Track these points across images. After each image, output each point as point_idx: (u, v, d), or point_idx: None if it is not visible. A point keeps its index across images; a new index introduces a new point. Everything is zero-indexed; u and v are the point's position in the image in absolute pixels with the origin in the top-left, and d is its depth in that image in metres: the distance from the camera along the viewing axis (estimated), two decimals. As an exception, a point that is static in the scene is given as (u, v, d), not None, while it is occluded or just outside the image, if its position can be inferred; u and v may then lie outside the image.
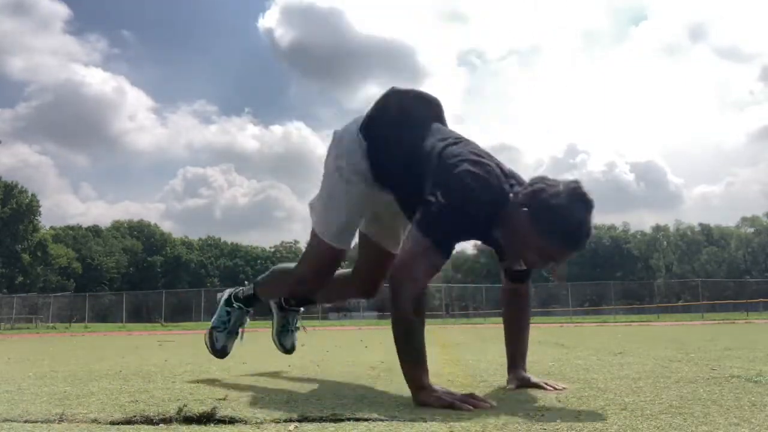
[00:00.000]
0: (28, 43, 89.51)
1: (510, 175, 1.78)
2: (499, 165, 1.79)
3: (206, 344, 2.42)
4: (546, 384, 1.87)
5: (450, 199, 1.65)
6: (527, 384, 1.89)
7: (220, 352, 2.39)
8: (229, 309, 2.40)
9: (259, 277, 2.41)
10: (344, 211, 1.98)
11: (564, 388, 1.85)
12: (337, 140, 2.03)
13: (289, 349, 2.56)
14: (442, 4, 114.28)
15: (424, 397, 1.56)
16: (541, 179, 1.70)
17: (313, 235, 2.05)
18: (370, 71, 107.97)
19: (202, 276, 64.83)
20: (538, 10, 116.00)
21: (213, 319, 2.43)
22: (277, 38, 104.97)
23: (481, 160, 1.74)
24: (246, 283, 2.46)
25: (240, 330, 2.44)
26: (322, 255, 2.04)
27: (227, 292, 2.47)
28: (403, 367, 1.66)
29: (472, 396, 1.55)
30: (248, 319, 2.46)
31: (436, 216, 1.67)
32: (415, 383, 1.61)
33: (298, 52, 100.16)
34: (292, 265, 2.25)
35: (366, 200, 1.98)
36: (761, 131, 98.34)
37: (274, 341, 2.54)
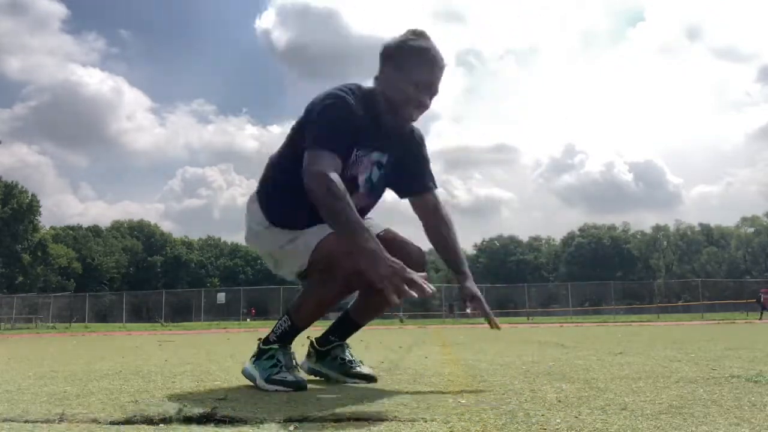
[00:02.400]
0: (26, 43, 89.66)
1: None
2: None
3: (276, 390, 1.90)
4: (493, 319, 2.02)
5: (315, 113, 1.89)
6: (480, 305, 2.03)
7: (298, 383, 1.90)
8: (266, 354, 1.97)
9: (288, 307, 2.07)
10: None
11: (500, 328, 2.03)
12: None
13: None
14: (438, 3, 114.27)
15: (385, 269, 1.63)
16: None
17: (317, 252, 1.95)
18: (368, 71, 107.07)
19: (202, 276, 64.84)
20: (535, 11, 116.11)
21: (258, 378, 1.96)
22: (274, 39, 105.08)
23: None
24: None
25: (293, 361, 2.00)
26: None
27: (253, 358, 2.01)
28: (349, 245, 1.72)
29: (415, 280, 1.62)
30: (293, 352, 2.03)
31: (312, 129, 1.87)
32: (366, 252, 1.67)
33: (296, 53, 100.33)
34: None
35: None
36: (759, 131, 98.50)
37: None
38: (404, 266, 1.66)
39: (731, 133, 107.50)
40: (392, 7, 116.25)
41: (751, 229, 69.30)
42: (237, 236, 79.61)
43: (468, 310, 2.05)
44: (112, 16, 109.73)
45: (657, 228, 72.12)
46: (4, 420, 1.38)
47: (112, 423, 1.34)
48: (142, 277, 60.02)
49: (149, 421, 1.35)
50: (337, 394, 1.82)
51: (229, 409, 1.45)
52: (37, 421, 1.36)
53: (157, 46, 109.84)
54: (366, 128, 1.93)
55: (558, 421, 1.29)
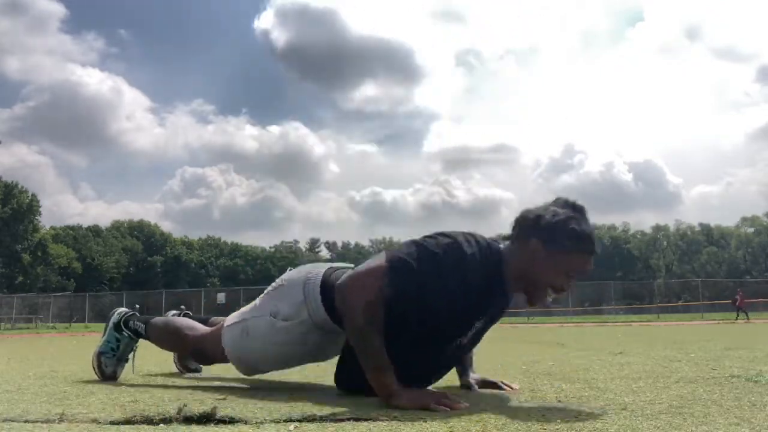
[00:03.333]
0: (25, 43, 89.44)
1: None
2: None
3: (93, 367, 2.27)
4: (502, 383, 1.92)
5: (430, 247, 1.66)
6: (485, 382, 1.96)
7: (110, 376, 2.25)
8: (118, 336, 2.29)
9: (153, 320, 2.31)
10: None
11: (517, 389, 1.89)
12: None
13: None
14: (438, 3, 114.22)
15: (397, 401, 1.50)
16: (525, 211, 1.75)
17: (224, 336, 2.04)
18: (367, 71, 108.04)
19: (202, 276, 64.82)
20: (535, 11, 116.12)
21: (100, 344, 2.30)
22: (273, 39, 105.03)
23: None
24: (137, 306, 2.49)
25: (130, 356, 2.32)
26: (217, 349, 2.06)
27: (116, 314, 2.33)
28: (368, 377, 1.59)
29: (445, 396, 1.51)
30: (137, 346, 2.34)
31: (408, 249, 1.67)
32: (383, 390, 1.55)
33: (295, 53, 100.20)
34: (191, 326, 2.22)
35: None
36: (759, 132, 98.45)
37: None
38: (420, 391, 1.59)
39: (731, 133, 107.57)
40: (391, 7, 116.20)
41: (751, 229, 69.28)
42: (237, 236, 79.77)
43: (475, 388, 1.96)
44: (111, 16, 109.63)
45: (657, 228, 72.11)
46: (4, 420, 1.38)
47: (112, 423, 1.34)
48: (142, 277, 59.99)
49: (149, 421, 1.35)
50: (337, 394, 1.82)
51: (229, 409, 1.45)
52: (37, 421, 1.36)
53: (157, 46, 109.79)
54: (490, 298, 1.76)
55: (558, 421, 1.29)
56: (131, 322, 2.29)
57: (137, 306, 2.40)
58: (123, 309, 2.39)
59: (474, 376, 2.01)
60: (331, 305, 1.78)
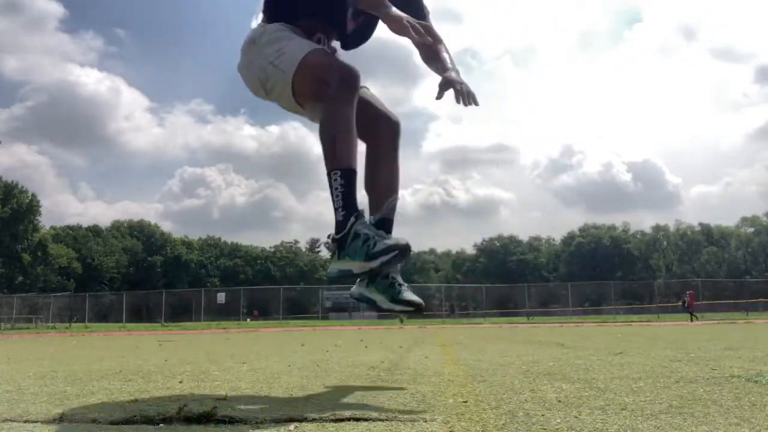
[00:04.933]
0: (22, 42, 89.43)
1: None
2: None
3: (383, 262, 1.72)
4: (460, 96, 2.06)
5: None
6: (449, 84, 2.09)
7: (397, 244, 1.72)
8: (357, 238, 1.73)
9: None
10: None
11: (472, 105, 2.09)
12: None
13: (412, 301, 1.83)
14: (435, 3, 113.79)
15: (398, 15, 1.80)
16: None
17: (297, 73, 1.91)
18: (365, 71, 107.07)
19: (202, 276, 64.84)
20: (532, 11, 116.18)
21: (357, 257, 1.73)
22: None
23: None
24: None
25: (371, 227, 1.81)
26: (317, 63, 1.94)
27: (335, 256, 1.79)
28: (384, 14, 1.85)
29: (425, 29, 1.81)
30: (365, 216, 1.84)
31: None
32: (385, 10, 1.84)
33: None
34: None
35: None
36: (758, 132, 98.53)
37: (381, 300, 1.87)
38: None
39: (730, 133, 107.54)
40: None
41: (751, 229, 69.29)
42: (236, 236, 79.77)
43: (435, 96, 2.09)
44: (110, 15, 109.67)
45: (657, 228, 72.13)
46: (4, 420, 1.38)
47: (112, 423, 1.34)
48: (142, 277, 60.01)
49: (149, 421, 1.35)
50: (337, 394, 1.82)
51: (229, 409, 1.45)
52: (37, 421, 1.36)
53: (155, 45, 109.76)
54: None
55: (558, 421, 1.29)
56: (338, 217, 1.77)
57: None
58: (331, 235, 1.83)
59: (448, 76, 2.13)
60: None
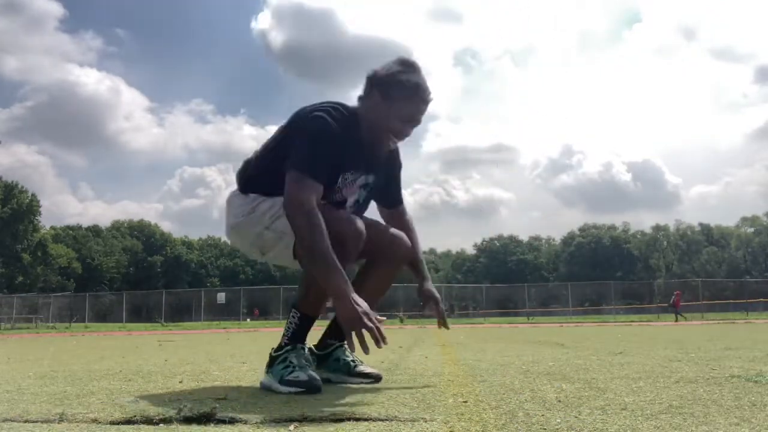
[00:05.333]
0: (22, 42, 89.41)
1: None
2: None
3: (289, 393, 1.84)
4: (442, 320, 2.22)
5: (302, 132, 1.90)
6: (434, 306, 2.22)
7: (311, 382, 1.84)
8: (283, 363, 1.92)
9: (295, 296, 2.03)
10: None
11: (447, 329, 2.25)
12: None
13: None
14: (434, 3, 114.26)
15: (348, 312, 1.69)
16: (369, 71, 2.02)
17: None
18: (365, 71, 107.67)
19: (202, 276, 64.86)
20: (532, 11, 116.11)
21: (274, 383, 1.90)
22: (270, 40, 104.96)
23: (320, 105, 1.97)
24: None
25: (306, 360, 1.97)
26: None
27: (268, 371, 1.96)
28: (320, 280, 1.77)
29: (376, 330, 1.69)
30: (307, 349, 2.02)
31: (298, 150, 1.87)
32: (334, 290, 1.72)
33: (292, 53, 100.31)
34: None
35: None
36: (758, 132, 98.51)
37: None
38: (368, 312, 1.71)
39: (729, 133, 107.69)
40: (388, 7, 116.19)
41: (751, 229, 69.30)
42: (236, 236, 79.55)
43: (425, 310, 2.23)
44: (109, 15, 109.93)
45: (657, 228, 72.14)
46: (4, 420, 1.38)
47: (112, 423, 1.34)
48: (142, 277, 60.01)
49: (149, 421, 1.35)
50: (337, 394, 1.82)
51: (229, 409, 1.45)
52: (37, 421, 1.36)
53: (155, 45, 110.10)
54: (352, 151, 1.97)
55: (558, 421, 1.29)
56: (281, 342, 1.97)
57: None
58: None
59: (430, 289, 2.26)
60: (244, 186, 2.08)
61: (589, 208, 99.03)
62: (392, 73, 1.96)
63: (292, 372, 1.87)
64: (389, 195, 2.29)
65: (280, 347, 1.97)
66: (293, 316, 1.98)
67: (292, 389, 1.83)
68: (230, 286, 48.73)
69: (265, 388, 1.94)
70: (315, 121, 1.90)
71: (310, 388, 1.81)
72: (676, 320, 20.33)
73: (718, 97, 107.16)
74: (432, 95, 2.01)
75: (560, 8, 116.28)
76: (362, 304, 1.71)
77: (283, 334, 1.99)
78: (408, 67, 1.98)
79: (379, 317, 1.73)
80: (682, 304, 24.49)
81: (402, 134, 2.02)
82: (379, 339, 1.69)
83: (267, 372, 1.96)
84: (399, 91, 1.94)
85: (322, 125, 1.89)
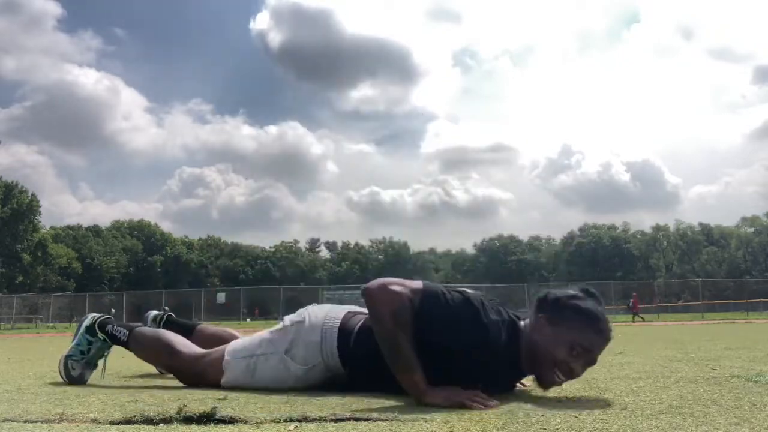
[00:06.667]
0: (20, 42, 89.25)
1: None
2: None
3: (60, 371, 2.18)
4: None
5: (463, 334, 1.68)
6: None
7: (77, 380, 2.16)
8: (90, 339, 2.19)
9: (139, 328, 2.22)
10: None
11: (528, 386, 1.88)
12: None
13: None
14: (433, 2, 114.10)
15: (431, 399, 1.55)
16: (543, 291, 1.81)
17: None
18: (364, 71, 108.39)
19: (202, 276, 64.82)
20: (530, 10, 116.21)
21: (71, 347, 2.21)
22: (269, 41, 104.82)
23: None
24: (113, 311, 2.38)
25: (100, 362, 2.24)
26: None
27: (90, 317, 2.24)
28: (399, 379, 1.65)
29: (477, 394, 1.53)
30: (109, 352, 2.25)
31: (444, 288, 1.74)
32: (414, 389, 1.61)
33: (291, 54, 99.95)
34: (186, 344, 2.13)
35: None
36: (756, 132, 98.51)
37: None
38: (452, 389, 1.57)
39: (728, 133, 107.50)
40: (387, 7, 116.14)
41: (751, 229, 69.24)
42: (235, 236, 79.76)
43: None
44: (108, 15, 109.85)
45: (657, 228, 72.07)
46: (4, 420, 1.38)
47: (112, 423, 1.34)
48: (142, 277, 59.98)
49: (149, 421, 1.35)
50: (337, 394, 1.82)
51: (229, 409, 1.45)
52: (37, 421, 1.36)
53: (153, 45, 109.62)
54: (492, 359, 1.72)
55: (558, 421, 1.29)
56: (108, 326, 2.20)
57: (113, 311, 2.30)
58: (96, 314, 2.29)
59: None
60: (344, 350, 1.85)
61: (589, 208, 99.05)
62: (567, 296, 1.74)
63: (78, 360, 2.18)
64: None
65: (103, 329, 2.19)
66: (124, 334, 2.18)
67: (61, 372, 2.17)
68: (230, 286, 48.70)
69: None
70: (484, 334, 1.69)
71: (71, 382, 2.14)
72: (633, 321, 20.63)
73: (717, 98, 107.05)
74: (612, 335, 1.73)
75: (559, 8, 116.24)
76: (444, 389, 1.57)
77: (108, 324, 2.21)
78: (588, 294, 1.75)
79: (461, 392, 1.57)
80: (639, 305, 24.91)
81: (571, 370, 1.70)
82: (480, 405, 1.49)
83: (81, 332, 2.21)
84: (575, 316, 1.69)
85: (491, 344, 1.69)
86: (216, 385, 1.95)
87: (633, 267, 67.09)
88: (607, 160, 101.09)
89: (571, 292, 1.76)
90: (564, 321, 1.69)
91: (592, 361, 1.72)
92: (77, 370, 2.17)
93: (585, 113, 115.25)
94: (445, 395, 1.54)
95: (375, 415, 1.38)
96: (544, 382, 1.73)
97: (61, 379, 2.17)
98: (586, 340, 1.68)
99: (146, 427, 1.31)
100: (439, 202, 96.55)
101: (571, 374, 1.71)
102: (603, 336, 1.71)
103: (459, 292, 1.76)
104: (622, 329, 9.78)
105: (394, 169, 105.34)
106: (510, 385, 1.87)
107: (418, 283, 1.73)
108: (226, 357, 1.99)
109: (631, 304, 24.15)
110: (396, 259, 70.91)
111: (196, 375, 2.04)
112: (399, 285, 1.70)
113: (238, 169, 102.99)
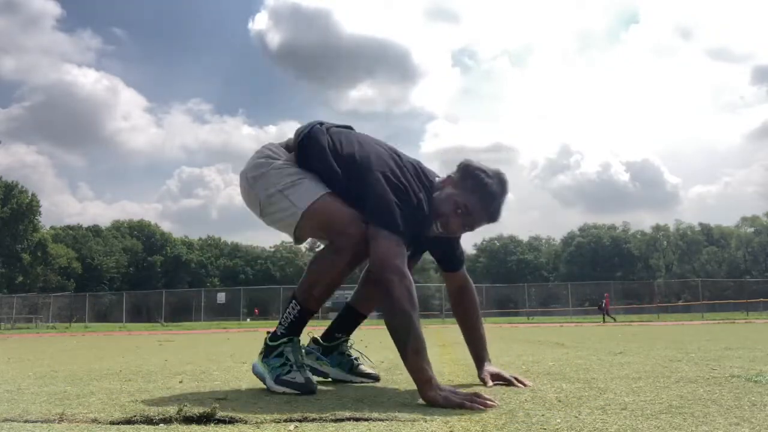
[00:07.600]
0: (20, 42, 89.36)
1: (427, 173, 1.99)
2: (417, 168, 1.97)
3: (284, 391, 1.85)
4: (516, 380, 1.94)
5: (375, 178, 1.81)
6: (500, 378, 1.97)
7: (306, 385, 1.84)
8: (280, 357, 1.91)
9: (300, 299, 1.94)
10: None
11: (530, 385, 1.91)
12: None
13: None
14: (432, 2, 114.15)
15: (432, 394, 1.56)
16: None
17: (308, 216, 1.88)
18: (363, 71, 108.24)
19: (202, 276, 64.84)
20: (530, 10, 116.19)
21: (267, 378, 1.91)
22: (268, 41, 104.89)
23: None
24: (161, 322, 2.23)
25: (302, 357, 1.95)
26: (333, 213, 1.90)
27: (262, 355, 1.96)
28: (406, 361, 1.65)
29: (477, 395, 1.53)
30: (302, 346, 2.02)
31: (380, 204, 1.78)
32: (421, 376, 1.61)
33: (290, 54, 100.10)
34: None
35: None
36: (755, 132, 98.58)
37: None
38: (453, 389, 1.59)
39: (727, 133, 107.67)
40: (386, 7, 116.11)
41: (751, 229, 69.27)
42: (235, 236, 79.76)
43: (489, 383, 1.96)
44: (107, 14, 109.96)
45: (657, 228, 72.10)
46: (4, 420, 1.38)
47: (112, 423, 1.34)
48: (142, 277, 60.00)
49: (149, 421, 1.35)
50: (337, 394, 1.82)
51: (229, 409, 1.45)
52: (37, 421, 1.37)
53: (153, 45, 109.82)
54: (420, 220, 1.89)
55: (558, 421, 1.29)
56: (277, 330, 1.96)
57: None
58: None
59: (489, 369, 2.04)
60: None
61: (588, 208, 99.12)
62: (478, 171, 1.89)
63: (289, 372, 1.86)
64: (450, 259, 2.16)
65: (276, 336, 1.94)
66: (293, 308, 1.92)
67: (287, 390, 1.83)
68: (230, 286, 48.75)
69: (256, 375, 1.96)
70: (392, 175, 1.83)
71: (304, 392, 1.80)
72: (604, 321, 20.77)
73: (716, 98, 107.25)
74: (499, 218, 1.91)
75: (558, 8, 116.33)
76: (445, 389, 1.58)
77: (280, 323, 1.95)
78: (495, 176, 1.90)
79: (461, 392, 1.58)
80: (610, 306, 25.26)
81: (448, 223, 1.89)
82: (479, 406, 1.48)
83: (262, 360, 1.94)
84: (473, 186, 1.86)
85: (403, 183, 1.84)
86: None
87: (633, 267, 67.12)
88: (606, 160, 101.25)
89: (483, 166, 1.91)
90: (462, 184, 1.88)
91: (470, 226, 1.90)
92: (298, 378, 1.85)
93: (584, 113, 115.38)
94: (445, 395, 1.55)
95: (375, 415, 1.38)
96: (425, 228, 1.91)
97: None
98: (472, 206, 1.86)
99: (146, 427, 1.31)
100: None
101: (447, 228, 1.90)
102: (487, 212, 1.89)
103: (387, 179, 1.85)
104: (623, 329, 9.78)
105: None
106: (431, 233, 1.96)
107: (391, 237, 1.76)
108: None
109: (602, 305, 24.27)
110: (396, 259, 70.71)
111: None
112: (396, 258, 1.74)
113: (238, 169, 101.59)
